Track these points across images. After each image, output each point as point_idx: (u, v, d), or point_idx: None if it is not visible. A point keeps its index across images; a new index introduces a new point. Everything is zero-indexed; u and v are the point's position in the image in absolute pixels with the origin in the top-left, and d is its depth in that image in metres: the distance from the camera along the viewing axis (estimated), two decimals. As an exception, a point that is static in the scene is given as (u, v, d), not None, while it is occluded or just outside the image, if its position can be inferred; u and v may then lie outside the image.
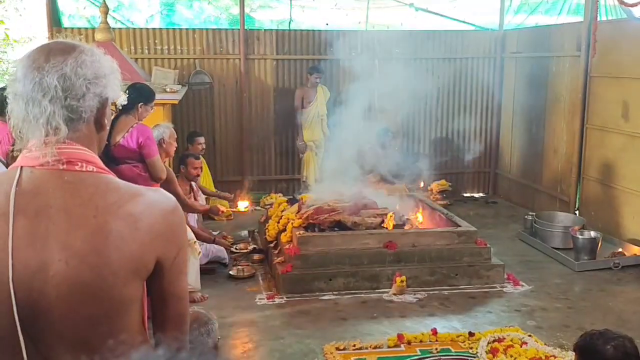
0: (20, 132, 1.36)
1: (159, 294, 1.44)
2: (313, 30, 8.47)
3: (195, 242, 5.06)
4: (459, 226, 5.70)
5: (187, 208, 5.35)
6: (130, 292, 1.36)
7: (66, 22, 8.07)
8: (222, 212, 5.70)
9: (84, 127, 1.39)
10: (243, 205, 6.28)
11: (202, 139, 7.21)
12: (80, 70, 1.35)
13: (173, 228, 1.41)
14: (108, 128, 1.47)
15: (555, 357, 4.02)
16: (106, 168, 1.43)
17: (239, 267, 5.78)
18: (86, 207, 1.33)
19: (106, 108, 1.43)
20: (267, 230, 6.01)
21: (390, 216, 5.75)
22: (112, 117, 4.55)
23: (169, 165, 5.51)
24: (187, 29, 8.26)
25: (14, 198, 1.32)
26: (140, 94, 4.67)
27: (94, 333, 1.33)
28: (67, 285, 1.29)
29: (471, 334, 4.36)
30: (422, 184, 8.10)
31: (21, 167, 1.36)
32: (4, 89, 1.43)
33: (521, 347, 4.15)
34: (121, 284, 1.33)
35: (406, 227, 5.83)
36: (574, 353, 2.62)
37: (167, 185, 4.98)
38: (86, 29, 7.90)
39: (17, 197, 1.32)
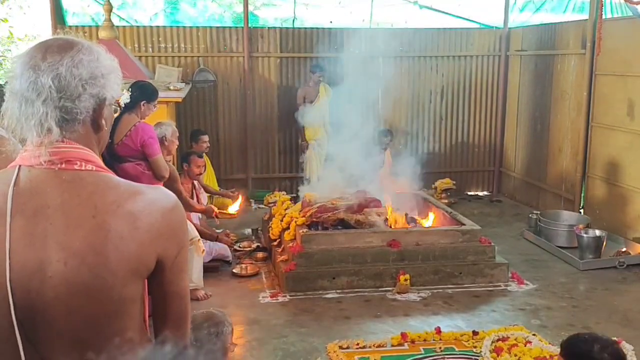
0: (13, 131, 1.35)
1: (159, 293, 1.43)
2: (317, 28, 8.45)
3: (199, 239, 5.06)
4: (463, 224, 5.68)
5: (188, 207, 5.36)
6: (130, 292, 1.34)
7: (70, 20, 8.07)
8: (216, 215, 5.74)
9: (80, 127, 1.36)
10: (233, 208, 6.32)
11: (206, 137, 7.20)
12: (76, 70, 1.32)
13: (173, 227, 1.39)
14: (107, 128, 1.44)
15: (559, 356, 4.00)
16: (105, 167, 1.41)
17: (242, 265, 5.78)
18: (85, 206, 1.31)
19: (103, 109, 1.40)
20: (270, 229, 6.01)
21: (392, 211, 5.76)
22: (115, 116, 4.59)
23: (172, 164, 5.51)
24: (191, 27, 8.26)
25: (11, 198, 1.30)
26: (142, 93, 4.66)
27: (93, 333, 1.32)
28: (66, 286, 1.28)
29: (475, 333, 4.35)
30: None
31: (19, 166, 1.35)
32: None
33: (525, 346, 4.13)
34: (120, 284, 1.31)
35: (410, 226, 5.81)
36: (559, 351, 2.56)
37: (170, 183, 4.97)
38: (90, 26, 7.91)
39: (15, 197, 1.31)
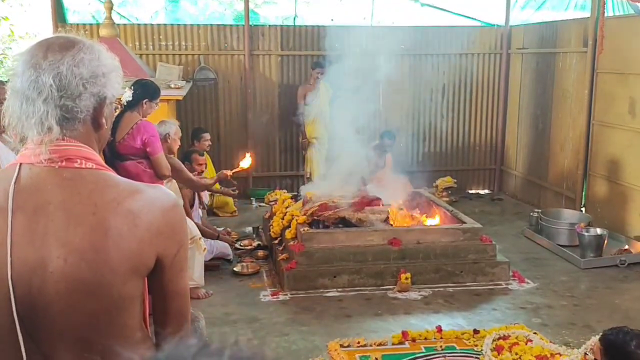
0: (14, 129, 1.35)
1: (159, 291, 1.43)
2: (318, 26, 8.44)
3: (200, 238, 5.06)
4: (464, 223, 5.68)
5: (201, 187, 5.65)
6: (130, 289, 1.35)
7: (71, 18, 8.06)
8: (228, 175, 5.55)
9: (80, 126, 1.37)
10: (244, 163, 5.77)
11: (208, 136, 7.21)
12: (77, 70, 1.33)
13: (173, 225, 1.39)
14: (107, 127, 1.45)
15: (560, 354, 4.00)
16: (105, 165, 1.42)
17: (243, 263, 5.78)
18: (85, 204, 1.31)
19: (104, 107, 1.40)
20: (271, 227, 6.01)
21: (392, 210, 5.77)
22: (117, 114, 4.58)
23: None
24: (191, 24, 8.25)
25: (12, 195, 1.31)
26: (145, 91, 4.66)
27: (93, 330, 1.32)
28: (66, 283, 1.29)
29: (476, 332, 4.34)
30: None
31: (20, 164, 1.35)
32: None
33: (526, 344, 4.13)
34: (120, 281, 1.32)
35: (411, 224, 5.81)
36: (597, 342, 2.60)
37: (177, 174, 4.98)
38: (91, 24, 7.90)
39: (16, 194, 1.31)
